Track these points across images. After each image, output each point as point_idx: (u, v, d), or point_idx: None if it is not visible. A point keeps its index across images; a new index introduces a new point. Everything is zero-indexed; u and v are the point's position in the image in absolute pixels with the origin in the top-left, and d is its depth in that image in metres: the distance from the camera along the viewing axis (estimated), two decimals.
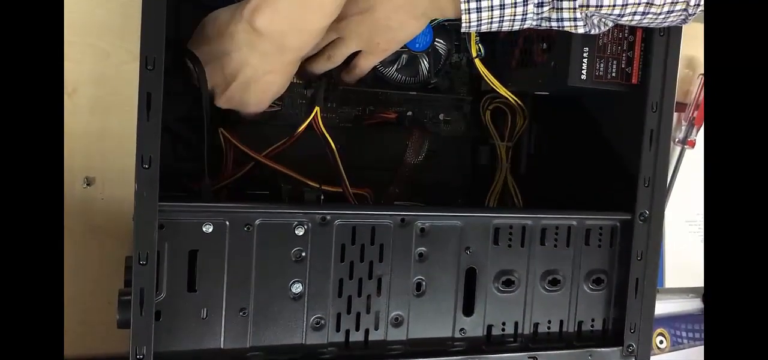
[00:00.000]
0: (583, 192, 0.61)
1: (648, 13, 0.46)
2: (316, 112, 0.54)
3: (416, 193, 0.62)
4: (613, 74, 0.53)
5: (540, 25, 0.47)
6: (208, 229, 0.45)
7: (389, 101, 0.63)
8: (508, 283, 0.53)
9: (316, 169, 0.55)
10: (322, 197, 0.51)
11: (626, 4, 0.45)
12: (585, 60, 0.52)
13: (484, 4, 0.45)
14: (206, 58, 0.50)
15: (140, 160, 0.41)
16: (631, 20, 0.47)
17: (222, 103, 0.52)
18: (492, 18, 0.46)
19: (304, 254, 0.47)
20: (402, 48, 0.59)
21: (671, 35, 0.52)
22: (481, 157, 0.68)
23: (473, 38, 0.58)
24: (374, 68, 0.59)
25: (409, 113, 0.64)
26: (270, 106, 0.60)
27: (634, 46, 0.53)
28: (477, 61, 0.58)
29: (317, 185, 0.53)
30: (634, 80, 0.53)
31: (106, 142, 0.57)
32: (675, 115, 0.81)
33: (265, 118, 0.59)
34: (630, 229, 0.54)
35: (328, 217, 0.48)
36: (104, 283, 0.57)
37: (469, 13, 0.46)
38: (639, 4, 0.45)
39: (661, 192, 0.54)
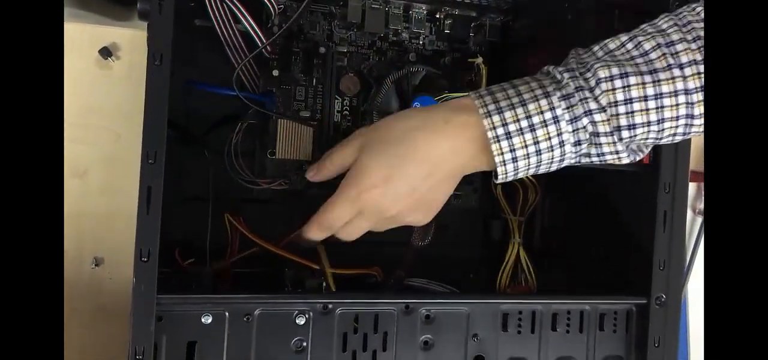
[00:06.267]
0: (598, 271, 0.60)
1: (692, 127, 0.43)
2: None
3: (427, 269, 0.61)
4: None
5: (580, 162, 0.45)
6: (207, 320, 0.44)
7: None
8: None
9: (327, 248, 0.54)
10: (325, 285, 0.50)
11: (662, 120, 0.42)
12: None
13: (519, 153, 0.43)
14: None
15: (139, 253, 0.41)
16: (674, 139, 0.44)
17: None
18: (529, 165, 0.44)
19: (304, 344, 0.46)
20: None
21: None
22: (493, 232, 0.66)
23: None
24: None
25: None
26: (279, 184, 0.60)
27: None
28: None
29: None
30: (645, 161, 0.52)
31: (116, 223, 0.58)
32: (693, 185, 0.79)
33: (277, 198, 0.59)
34: (646, 314, 0.52)
35: (330, 306, 0.47)
36: None
37: (504, 164, 0.43)
38: (677, 126, 0.43)
39: (677, 276, 0.52)
